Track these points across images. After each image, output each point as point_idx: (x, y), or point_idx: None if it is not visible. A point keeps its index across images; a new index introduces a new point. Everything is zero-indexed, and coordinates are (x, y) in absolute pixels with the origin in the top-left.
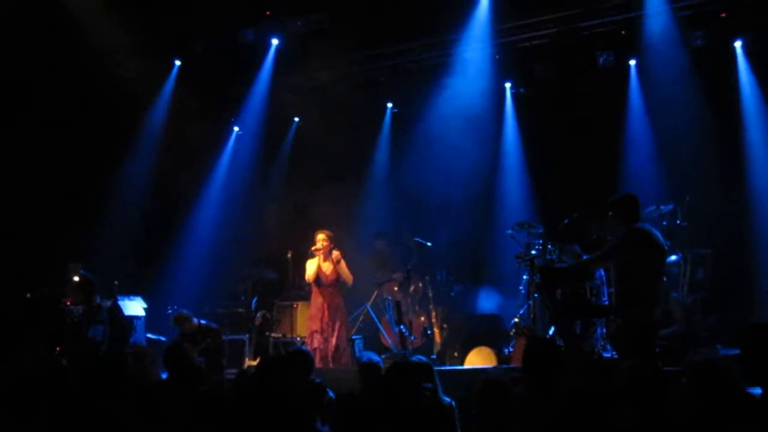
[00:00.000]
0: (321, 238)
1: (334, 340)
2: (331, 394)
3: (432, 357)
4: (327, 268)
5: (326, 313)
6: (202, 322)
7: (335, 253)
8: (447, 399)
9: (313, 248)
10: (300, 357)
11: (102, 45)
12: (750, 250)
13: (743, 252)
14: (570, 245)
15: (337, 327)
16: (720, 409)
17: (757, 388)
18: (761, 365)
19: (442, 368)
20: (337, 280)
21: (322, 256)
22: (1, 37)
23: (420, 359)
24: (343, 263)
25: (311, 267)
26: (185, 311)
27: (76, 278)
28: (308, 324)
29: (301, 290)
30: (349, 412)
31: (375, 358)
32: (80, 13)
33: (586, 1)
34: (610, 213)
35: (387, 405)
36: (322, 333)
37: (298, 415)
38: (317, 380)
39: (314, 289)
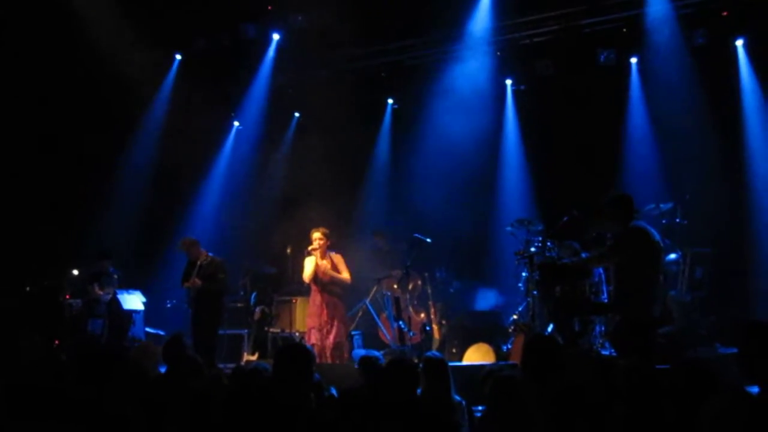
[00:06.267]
0: (317, 237)
1: (332, 337)
2: (333, 390)
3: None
4: (324, 266)
5: (324, 311)
6: (210, 253)
7: (336, 257)
8: (457, 398)
9: (309, 248)
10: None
11: (104, 39)
12: (749, 249)
13: (742, 251)
14: (568, 241)
15: (335, 324)
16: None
17: (755, 387)
18: (758, 364)
19: None
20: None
21: (319, 255)
22: (5, 33)
23: (434, 355)
24: (341, 266)
25: (309, 266)
26: (193, 237)
27: (75, 272)
28: (307, 321)
29: (300, 285)
30: (350, 408)
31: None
32: (83, 8)
33: None
34: (606, 212)
35: (388, 401)
36: (320, 330)
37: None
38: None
39: (313, 287)
